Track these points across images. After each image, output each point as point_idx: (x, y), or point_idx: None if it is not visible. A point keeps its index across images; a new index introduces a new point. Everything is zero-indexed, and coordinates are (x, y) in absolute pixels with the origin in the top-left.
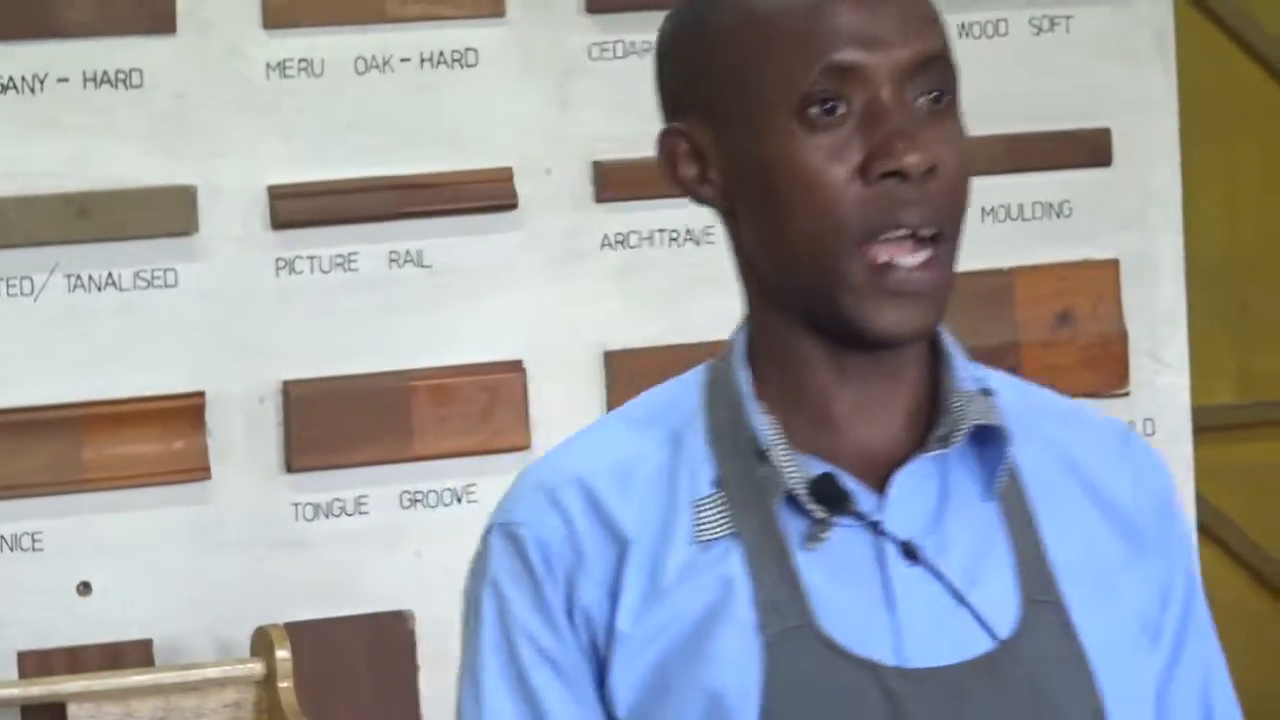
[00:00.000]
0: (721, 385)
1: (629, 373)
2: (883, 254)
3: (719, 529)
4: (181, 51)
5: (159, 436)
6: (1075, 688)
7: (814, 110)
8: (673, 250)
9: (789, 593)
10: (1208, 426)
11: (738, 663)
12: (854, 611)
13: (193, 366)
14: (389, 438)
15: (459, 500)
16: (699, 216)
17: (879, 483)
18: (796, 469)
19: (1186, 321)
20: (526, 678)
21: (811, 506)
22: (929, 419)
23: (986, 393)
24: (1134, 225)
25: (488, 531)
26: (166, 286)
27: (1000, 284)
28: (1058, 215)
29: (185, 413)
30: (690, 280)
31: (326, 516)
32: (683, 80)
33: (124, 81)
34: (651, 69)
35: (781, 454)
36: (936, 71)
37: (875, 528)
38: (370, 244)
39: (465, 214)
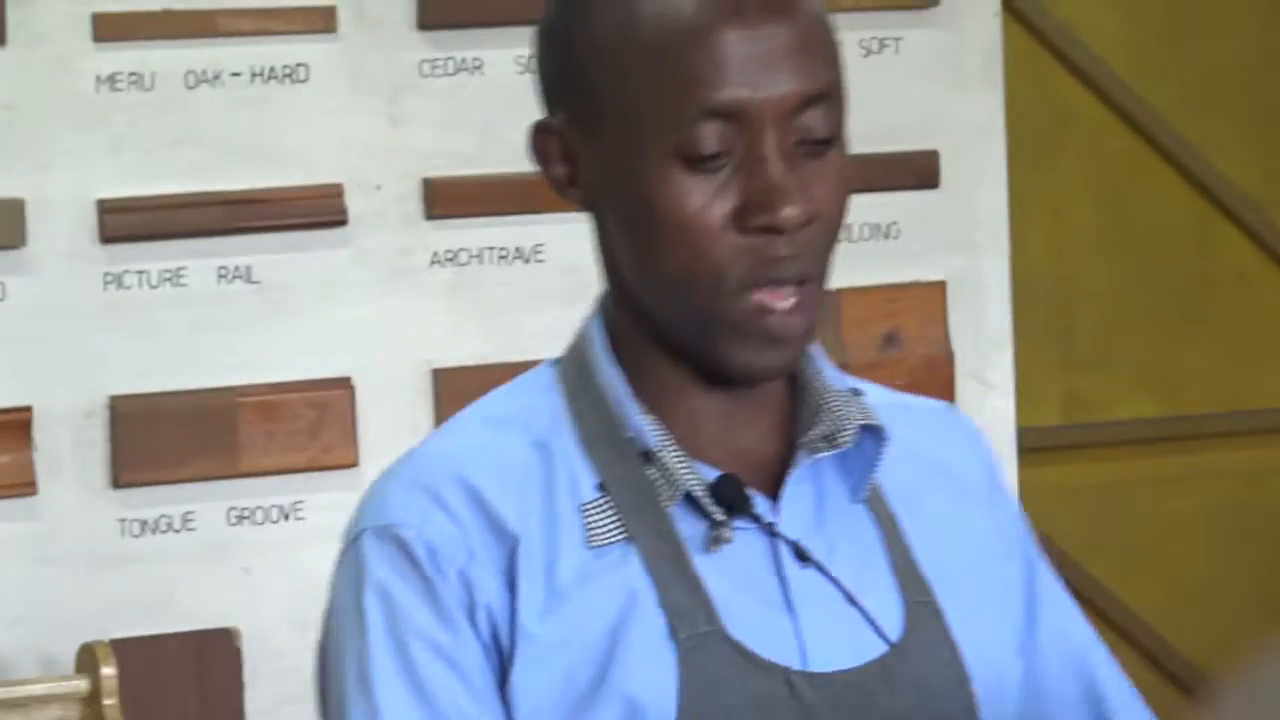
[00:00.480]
0: (584, 386)
1: (457, 391)
2: (757, 298)
3: (612, 534)
4: (11, 63)
5: None
6: (956, 691)
7: (687, 152)
8: (502, 268)
9: (694, 598)
10: (1034, 448)
11: (653, 669)
12: (757, 616)
13: (20, 380)
14: (216, 454)
15: (286, 517)
16: (529, 235)
17: (757, 486)
18: (690, 471)
19: (1012, 343)
20: (422, 678)
21: (713, 509)
22: (794, 420)
23: (856, 393)
24: (961, 247)
25: (357, 538)
26: None
27: (827, 304)
28: (886, 236)
29: (12, 427)
30: (520, 298)
31: (154, 532)
32: (560, 79)
33: None
34: (533, 49)
35: (673, 456)
36: (824, 110)
37: (769, 530)
38: (199, 259)
39: (296, 230)
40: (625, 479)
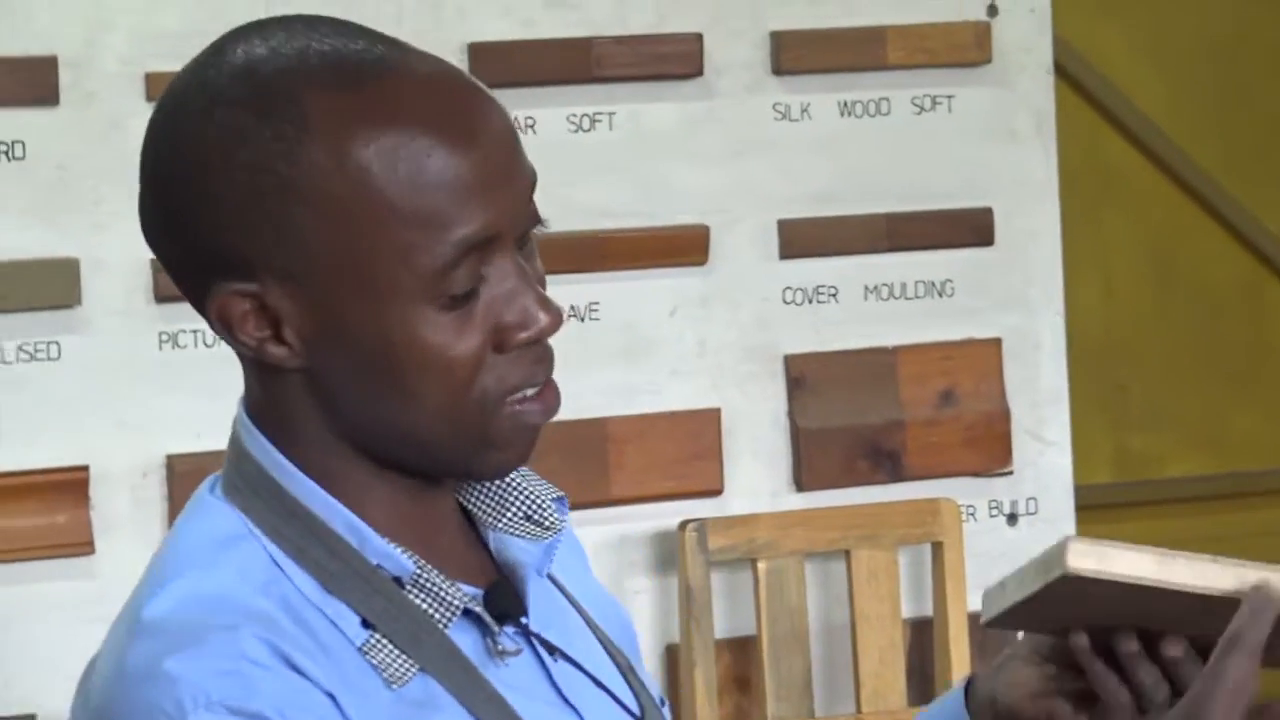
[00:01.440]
0: (296, 529)
1: None
2: (522, 406)
3: (405, 670)
4: (63, 123)
5: (42, 510)
6: None
7: (443, 292)
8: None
9: (508, 715)
10: (1086, 505)
11: None
12: (554, 719)
13: (76, 440)
14: None
15: None
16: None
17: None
18: (454, 586)
19: (1068, 401)
20: None
21: (490, 621)
22: (466, 500)
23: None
24: (1016, 304)
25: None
26: (49, 359)
27: (884, 362)
28: (941, 294)
29: (69, 486)
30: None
31: None
32: (243, 238)
33: (6, 153)
34: (148, 197)
35: (435, 577)
36: (533, 199)
37: (526, 630)
38: None
39: None
40: (389, 611)
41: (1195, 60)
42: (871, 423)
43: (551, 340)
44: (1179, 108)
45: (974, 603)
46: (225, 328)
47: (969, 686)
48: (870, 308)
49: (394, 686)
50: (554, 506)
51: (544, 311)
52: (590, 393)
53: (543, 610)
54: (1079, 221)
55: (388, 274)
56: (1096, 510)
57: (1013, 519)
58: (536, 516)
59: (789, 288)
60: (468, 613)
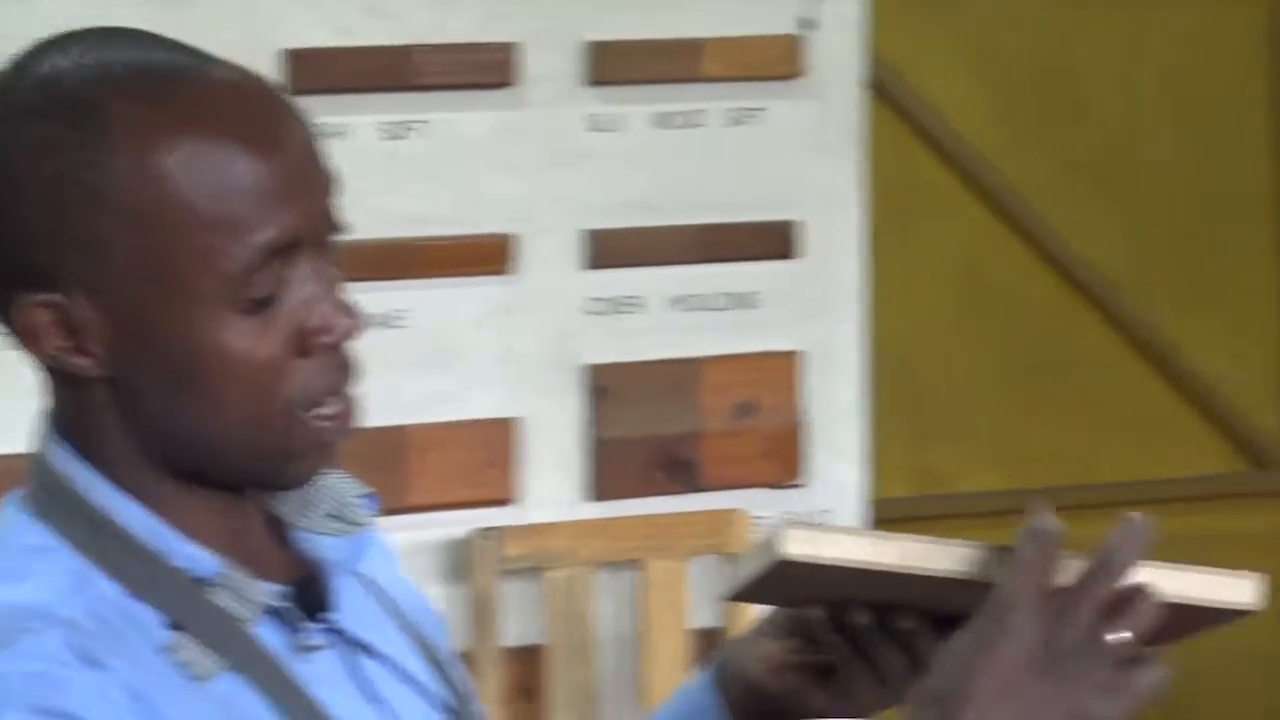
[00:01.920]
0: (97, 536)
1: None
2: (324, 414)
3: (210, 667)
4: None
5: None
6: None
7: (247, 300)
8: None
9: (314, 713)
10: (885, 519)
11: None
12: (360, 714)
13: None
14: None
15: None
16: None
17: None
18: (256, 588)
19: (865, 414)
20: None
21: (298, 617)
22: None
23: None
24: (818, 317)
25: None
26: None
27: (688, 372)
28: (745, 306)
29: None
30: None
31: None
32: (48, 249)
33: None
34: None
35: (239, 577)
36: (336, 210)
37: (333, 625)
38: None
39: None
40: (194, 611)
41: (1013, 79)
42: (670, 433)
43: (357, 346)
44: (995, 126)
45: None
46: (28, 339)
47: (721, 663)
48: (677, 318)
49: (201, 684)
50: (359, 503)
51: (345, 316)
52: (394, 400)
53: (352, 607)
54: (889, 236)
55: (189, 279)
56: (894, 523)
57: None
58: (341, 514)
59: (594, 297)
60: (274, 611)
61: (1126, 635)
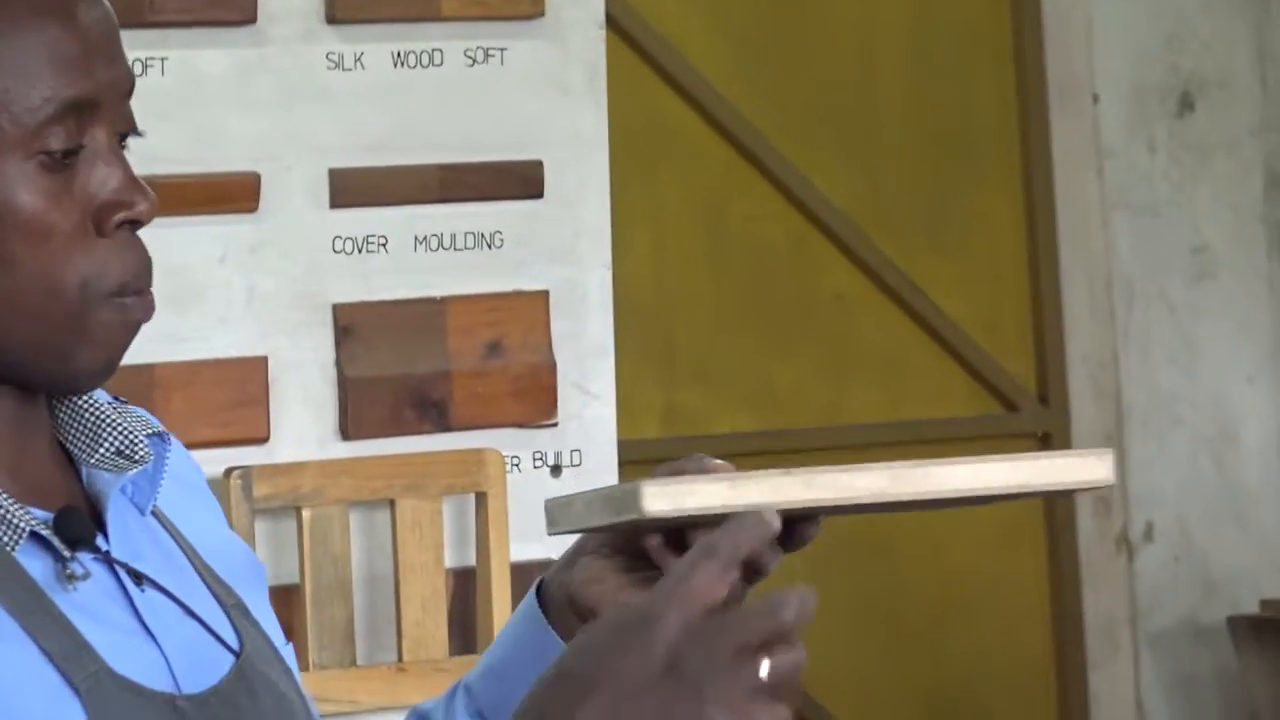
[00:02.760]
0: None
1: None
2: (120, 304)
3: None
4: None
5: None
6: (291, 685)
7: (43, 156)
8: None
9: (70, 640)
10: (633, 460)
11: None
12: (128, 647)
13: None
14: None
15: None
16: None
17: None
18: (24, 510)
19: (614, 355)
20: None
21: (61, 546)
22: (65, 438)
23: (121, 401)
24: (565, 258)
25: None
26: None
27: (433, 312)
28: (490, 246)
29: None
30: None
31: None
32: None
33: None
34: None
35: (4, 499)
36: (129, 102)
37: (106, 558)
38: None
39: None
40: None
41: (754, 21)
42: (419, 373)
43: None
44: (737, 68)
45: (517, 553)
46: None
47: (541, 588)
48: (420, 258)
49: None
50: (146, 442)
51: (142, 197)
52: (140, 338)
53: (135, 541)
54: (632, 178)
55: None
56: (643, 465)
57: (556, 470)
58: (128, 451)
59: (339, 236)
60: (39, 538)
61: (763, 670)
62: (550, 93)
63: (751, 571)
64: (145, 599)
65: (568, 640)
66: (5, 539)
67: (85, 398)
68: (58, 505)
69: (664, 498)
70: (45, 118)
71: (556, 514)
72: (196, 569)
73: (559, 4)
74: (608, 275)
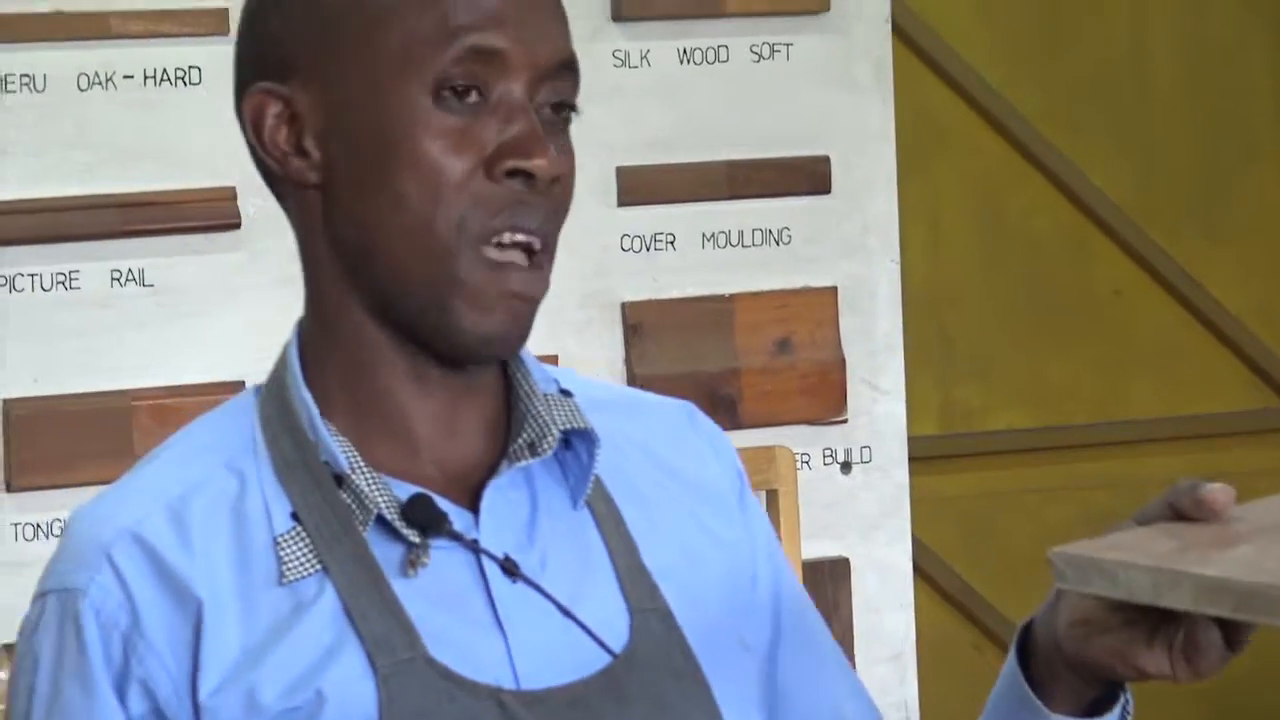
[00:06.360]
0: (279, 410)
1: None
2: (496, 255)
3: (305, 567)
4: None
5: None
6: (693, 697)
7: (447, 92)
8: None
9: (393, 624)
10: (914, 457)
11: (353, 704)
12: (464, 637)
13: None
14: (111, 457)
15: None
16: None
17: (467, 498)
18: (382, 492)
19: (902, 350)
20: None
21: (406, 531)
22: (509, 426)
23: (565, 393)
24: (852, 253)
25: (40, 596)
26: None
27: (721, 309)
28: (778, 242)
29: None
30: None
31: (48, 536)
32: (287, 36)
33: None
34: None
35: (364, 478)
36: (569, 80)
37: (473, 547)
38: (93, 262)
39: (190, 233)
40: (319, 506)
41: (1019, 11)
42: (708, 370)
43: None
44: (1006, 58)
45: (809, 550)
46: (255, 129)
47: (1027, 635)
48: (708, 255)
49: (285, 582)
50: (555, 437)
51: (542, 153)
52: None
53: (515, 530)
54: (906, 173)
55: (395, 62)
56: (923, 462)
57: (846, 467)
58: (537, 445)
59: (627, 235)
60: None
61: None
62: (836, 88)
63: None
64: (512, 591)
65: (1055, 690)
66: (358, 519)
67: (525, 385)
68: (459, 488)
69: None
70: (448, 56)
71: (1075, 570)
72: (618, 568)
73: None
74: (896, 270)
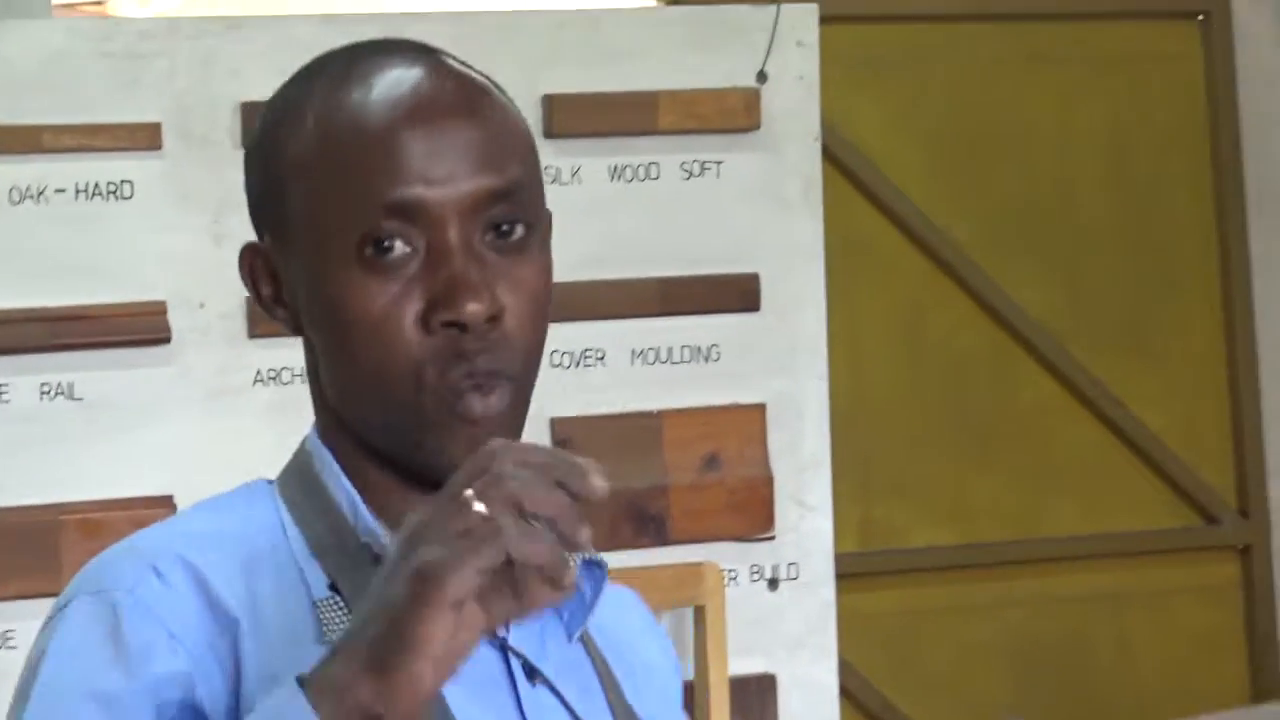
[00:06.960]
0: (306, 496)
1: None
2: (453, 397)
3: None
4: None
5: None
6: None
7: (370, 251)
8: None
9: (432, 706)
10: (838, 575)
11: None
12: None
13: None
14: (39, 572)
15: None
16: None
17: None
18: None
19: (830, 467)
20: None
21: None
22: None
23: None
24: (781, 370)
25: (66, 605)
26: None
27: (649, 426)
28: (706, 359)
29: None
30: None
31: None
32: (259, 196)
33: None
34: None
35: None
36: (508, 205)
37: (501, 644)
38: (21, 376)
39: (119, 347)
40: (359, 583)
41: (948, 136)
42: (636, 487)
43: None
44: (932, 182)
45: (736, 666)
46: (247, 280)
47: None
48: (638, 371)
49: (326, 641)
50: (575, 569)
51: (471, 298)
52: None
53: (532, 640)
54: (831, 291)
55: (329, 228)
56: (846, 579)
57: (773, 583)
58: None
59: (557, 350)
60: None
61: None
62: (767, 206)
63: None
64: (532, 692)
65: None
66: None
67: None
68: None
69: None
70: (365, 219)
71: None
72: (611, 704)
73: (774, 117)
74: (824, 387)
